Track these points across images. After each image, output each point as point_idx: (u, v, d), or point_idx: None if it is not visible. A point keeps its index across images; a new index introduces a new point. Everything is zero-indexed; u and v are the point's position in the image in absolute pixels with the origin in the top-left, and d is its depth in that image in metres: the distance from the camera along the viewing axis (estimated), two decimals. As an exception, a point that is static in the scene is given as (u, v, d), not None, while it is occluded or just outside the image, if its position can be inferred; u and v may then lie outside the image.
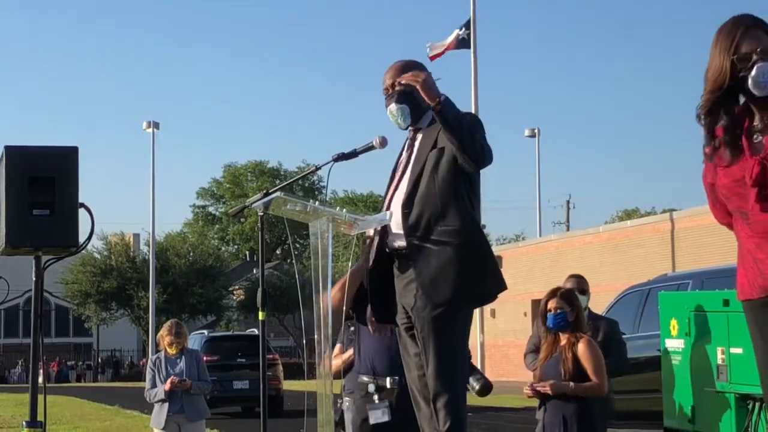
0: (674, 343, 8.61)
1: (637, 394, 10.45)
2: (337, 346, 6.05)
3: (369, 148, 4.82)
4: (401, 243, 4.67)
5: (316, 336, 4.74)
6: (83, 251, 7.18)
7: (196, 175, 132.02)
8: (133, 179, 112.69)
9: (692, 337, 8.35)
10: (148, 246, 47.31)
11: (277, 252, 75.45)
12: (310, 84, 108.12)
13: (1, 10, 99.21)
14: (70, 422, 18.96)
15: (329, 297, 4.72)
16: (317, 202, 4.84)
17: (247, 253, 79.02)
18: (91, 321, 57.70)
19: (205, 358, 10.20)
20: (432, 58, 25.58)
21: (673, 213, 28.61)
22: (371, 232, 4.87)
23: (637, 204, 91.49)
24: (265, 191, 4.96)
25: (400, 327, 4.78)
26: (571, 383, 6.50)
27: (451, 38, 25.94)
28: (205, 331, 24.17)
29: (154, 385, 8.91)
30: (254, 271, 61.05)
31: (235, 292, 62.14)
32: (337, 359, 5.85)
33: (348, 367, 5.95)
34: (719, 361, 7.94)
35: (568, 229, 55.58)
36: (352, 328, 5.98)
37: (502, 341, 34.47)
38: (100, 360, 65.20)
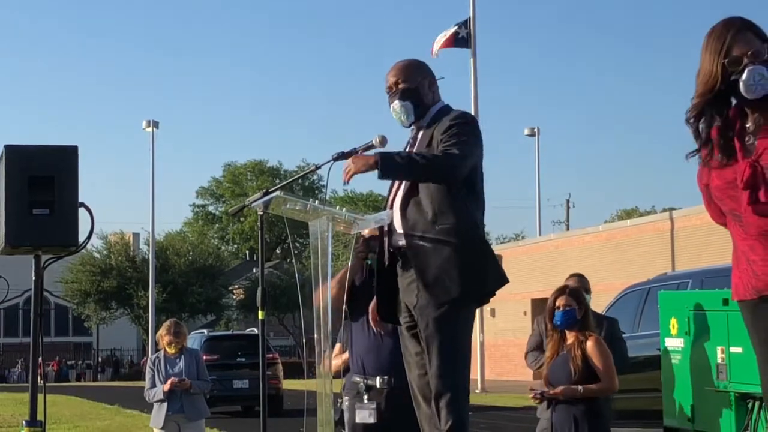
0: (674, 342, 8.62)
1: (637, 394, 10.45)
2: (337, 346, 6.04)
3: (369, 147, 4.83)
4: (402, 242, 4.68)
5: (315, 335, 4.75)
6: (83, 250, 7.17)
7: (195, 175, 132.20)
8: (133, 178, 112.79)
9: (692, 336, 8.35)
10: (148, 245, 47.30)
11: (277, 251, 75.46)
12: (309, 83, 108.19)
13: (1, 9, 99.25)
14: (70, 421, 18.96)
15: (329, 296, 4.73)
16: (317, 202, 4.85)
17: (247, 252, 79.05)
18: (90, 320, 57.68)
19: (204, 358, 10.20)
20: (434, 49, 25.57)
21: (672, 212, 28.61)
22: (366, 231, 4.88)
23: (636, 203, 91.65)
24: (264, 190, 4.96)
25: (402, 326, 4.79)
26: (580, 387, 6.45)
27: (450, 32, 25.91)
28: (205, 331, 24.17)
29: (153, 385, 8.91)
30: (254, 271, 61.00)
31: (234, 292, 62.13)
32: (338, 359, 5.85)
33: (348, 367, 5.95)
34: (719, 360, 7.94)
35: (567, 229, 55.58)
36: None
37: (501, 340, 34.47)
38: (99, 359, 65.19)
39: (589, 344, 6.53)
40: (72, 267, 52.43)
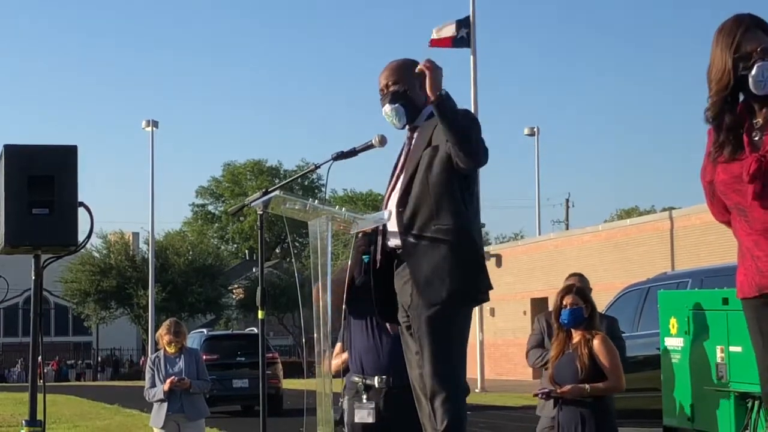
0: (673, 342, 8.62)
1: (637, 393, 10.45)
2: (338, 345, 6.04)
3: (368, 146, 4.82)
4: (397, 242, 4.68)
5: (315, 335, 4.74)
6: (82, 250, 7.17)
7: (195, 174, 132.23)
8: (133, 178, 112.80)
9: (691, 335, 8.36)
10: (148, 245, 47.30)
11: (277, 251, 75.45)
12: (309, 83, 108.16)
13: (1, 9, 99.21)
14: (70, 421, 18.96)
15: (329, 296, 4.73)
16: (316, 201, 4.84)
17: (247, 251, 79.03)
18: (90, 320, 57.66)
19: (204, 357, 10.20)
20: (432, 43, 25.50)
21: (672, 211, 28.61)
22: (369, 230, 4.87)
23: (636, 202, 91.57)
24: (264, 190, 4.95)
25: (402, 325, 4.78)
26: (587, 386, 6.44)
27: (447, 27, 25.85)
28: (205, 330, 24.16)
29: (153, 384, 8.91)
30: (253, 270, 60.99)
31: (234, 291, 62.11)
32: (338, 358, 5.85)
33: (348, 366, 5.95)
34: (718, 360, 7.95)
35: (567, 228, 55.57)
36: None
37: (501, 340, 34.47)
38: (99, 359, 65.18)
39: (596, 342, 6.52)
40: (72, 266, 52.41)
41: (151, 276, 43.03)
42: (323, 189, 71.84)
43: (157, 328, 14.08)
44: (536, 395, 6.99)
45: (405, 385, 4.85)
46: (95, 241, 53.59)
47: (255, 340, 20.17)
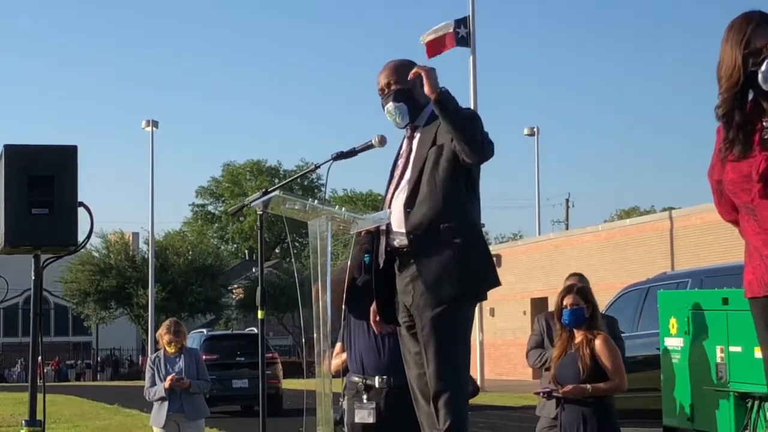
0: (673, 342, 8.62)
1: (637, 393, 10.45)
2: (338, 345, 6.04)
3: (368, 146, 4.82)
4: (403, 242, 4.67)
5: (315, 335, 4.74)
6: (82, 250, 7.17)
7: (195, 174, 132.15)
8: (133, 178, 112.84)
9: (691, 335, 8.36)
10: (148, 245, 47.31)
11: (276, 251, 75.44)
12: (308, 83, 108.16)
13: (1, 9, 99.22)
14: (70, 421, 18.95)
15: (328, 295, 4.72)
16: (316, 201, 4.84)
17: (246, 251, 79.03)
18: (90, 320, 57.66)
19: (204, 357, 10.19)
20: (428, 46, 25.47)
21: (672, 211, 28.61)
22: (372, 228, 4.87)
23: (636, 202, 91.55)
24: (264, 190, 4.96)
25: (401, 325, 4.78)
26: (589, 386, 6.44)
27: (444, 31, 25.83)
28: (204, 330, 24.15)
29: (153, 384, 8.90)
30: (253, 270, 61.00)
31: (234, 291, 62.11)
32: (338, 358, 5.85)
33: (348, 366, 5.94)
34: (718, 360, 7.95)
35: (567, 228, 55.57)
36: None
37: (501, 340, 34.47)
38: (99, 359, 65.18)
39: (598, 343, 6.52)
40: (71, 266, 52.41)
41: (151, 276, 43.03)
42: (323, 189, 71.84)
43: (156, 328, 14.09)
44: (538, 393, 6.99)
45: (406, 385, 4.85)
46: (95, 241, 53.66)
47: (255, 340, 20.16)
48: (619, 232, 30.24)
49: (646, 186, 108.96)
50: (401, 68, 4.81)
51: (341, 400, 5.71)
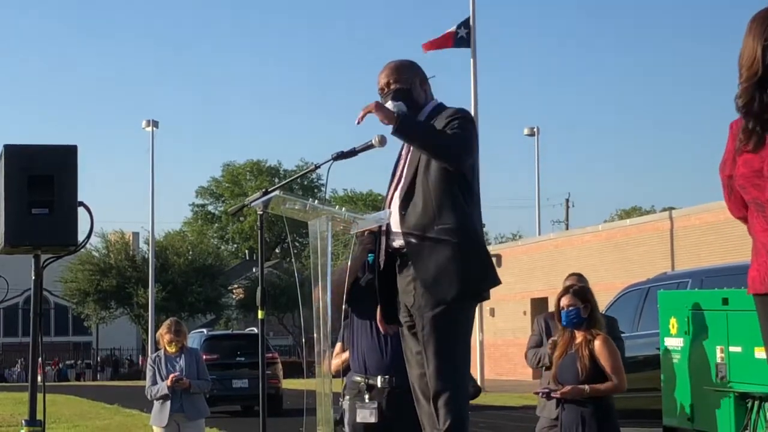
0: (673, 342, 8.62)
1: (637, 393, 10.46)
2: (338, 345, 6.04)
3: (368, 146, 4.82)
4: (400, 242, 4.68)
5: (315, 334, 4.74)
6: (82, 250, 7.17)
7: (195, 174, 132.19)
8: (133, 178, 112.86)
9: (691, 335, 8.36)
10: (148, 244, 47.31)
11: (277, 251, 75.45)
12: (309, 83, 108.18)
13: (1, 9, 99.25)
14: (70, 421, 18.96)
15: (329, 295, 4.73)
16: (316, 201, 4.84)
17: (247, 251, 79.04)
18: (90, 320, 57.67)
19: (204, 357, 10.20)
20: (426, 47, 25.51)
21: (672, 212, 28.62)
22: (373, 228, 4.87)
23: (636, 202, 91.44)
24: (264, 190, 4.96)
25: (403, 325, 4.79)
26: (587, 387, 6.45)
27: (447, 32, 25.88)
28: (205, 330, 24.16)
29: (154, 383, 8.91)
30: (253, 270, 60.99)
31: (234, 291, 62.12)
32: (338, 358, 5.85)
33: (348, 366, 5.94)
34: (718, 360, 7.95)
35: (567, 228, 55.57)
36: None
37: (501, 340, 34.48)
38: (99, 359, 65.18)
39: (597, 344, 6.53)
40: (71, 266, 52.41)
41: (151, 276, 43.04)
42: (323, 189, 71.85)
43: (157, 328, 14.10)
44: (537, 393, 7.01)
45: (408, 385, 4.85)
46: (95, 240, 53.66)
47: (255, 340, 20.18)
48: (620, 232, 30.24)
49: (646, 186, 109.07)
50: (401, 68, 4.84)
51: (341, 400, 5.71)
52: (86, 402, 26.09)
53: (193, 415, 8.91)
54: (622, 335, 8.34)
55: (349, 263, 5.11)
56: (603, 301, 13.37)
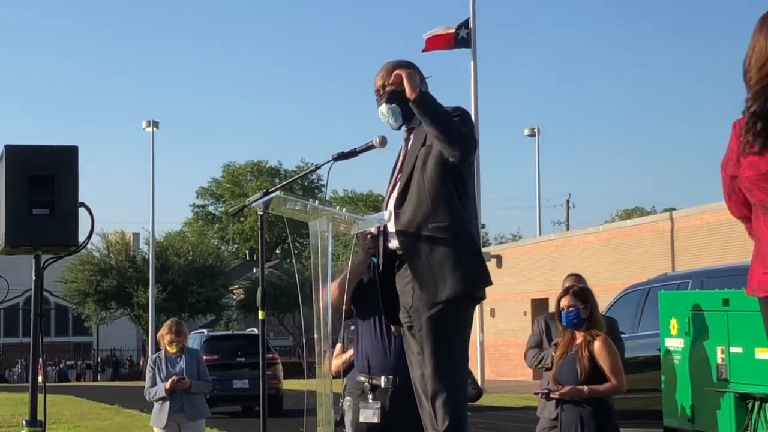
0: (674, 343, 8.62)
1: (637, 394, 10.47)
2: (338, 346, 6.04)
3: (369, 147, 4.82)
4: (396, 243, 4.68)
5: (315, 335, 4.75)
6: (83, 250, 7.17)
7: (195, 175, 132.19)
8: (133, 178, 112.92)
9: (692, 336, 8.36)
10: (148, 245, 47.31)
11: (277, 251, 75.46)
12: (309, 83, 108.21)
13: (1, 8, 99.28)
14: (70, 421, 18.97)
15: (329, 296, 4.73)
16: (317, 201, 4.84)
17: (247, 252, 79.04)
18: (90, 320, 57.68)
19: (204, 358, 10.20)
20: (426, 45, 25.51)
21: (672, 212, 28.62)
22: (372, 229, 4.87)
23: (636, 203, 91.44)
24: (264, 190, 4.96)
25: (403, 326, 4.79)
26: (586, 388, 6.45)
27: (445, 30, 25.87)
28: (205, 331, 24.16)
29: (154, 384, 8.91)
30: (254, 271, 61.01)
31: (234, 292, 62.12)
32: (338, 359, 5.85)
33: (348, 367, 5.94)
34: (719, 361, 7.95)
35: (567, 229, 55.58)
36: (353, 327, 5.98)
37: (501, 341, 34.47)
38: (99, 359, 65.18)
39: (597, 344, 6.53)
40: (72, 267, 52.42)
41: (152, 276, 43.04)
42: (324, 189, 71.85)
43: (157, 328, 14.09)
44: (536, 394, 7.01)
45: (411, 385, 4.85)
46: (96, 241, 53.66)
47: (255, 340, 20.17)
48: (620, 232, 30.24)
49: (646, 187, 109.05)
50: (398, 69, 4.82)
51: (341, 400, 5.71)
52: (87, 402, 26.09)
53: (193, 416, 8.92)
54: (623, 336, 8.34)
55: (351, 266, 5.11)
56: (603, 301, 13.38)
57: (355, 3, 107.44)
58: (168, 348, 8.98)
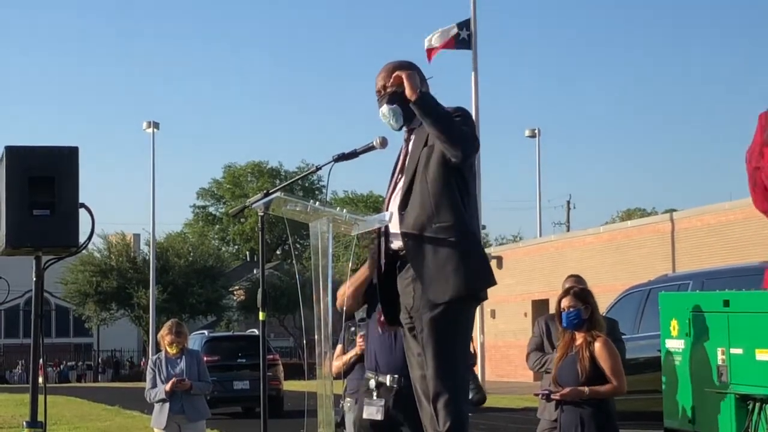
0: (674, 344, 8.61)
1: (638, 395, 10.46)
2: (338, 347, 6.05)
3: (369, 148, 4.82)
4: (399, 244, 4.68)
5: (316, 336, 4.75)
6: (83, 251, 7.16)
7: (196, 176, 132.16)
8: (134, 179, 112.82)
9: (692, 337, 8.35)
10: (149, 246, 47.32)
11: (278, 252, 75.44)
12: (309, 84, 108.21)
13: (1, 8, 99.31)
14: (71, 422, 18.97)
15: (329, 297, 4.73)
16: (317, 203, 4.85)
17: (248, 253, 79.00)
18: (91, 321, 57.67)
19: (205, 359, 10.20)
20: (429, 53, 25.49)
21: (673, 213, 28.62)
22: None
23: (637, 204, 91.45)
24: (265, 191, 4.96)
25: (404, 327, 4.79)
26: (586, 389, 6.44)
27: (447, 32, 25.85)
28: (206, 332, 24.16)
29: (154, 385, 8.91)
30: (254, 272, 61.01)
31: (235, 293, 62.13)
32: (338, 360, 5.86)
33: (349, 369, 5.95)
34: (719, 362, 7.94)
35: (568, 230, 55.57)
36: (353, 329, 5.99)
37: (502, 342, 34.47)
38: (100, 360, 65.18)
39: (597, 345, 6.52)
40: (72, 268, 52.42)
41: (152, 277, 43.04)
42: (324, 190, 71.85)
43: (157, 329, 14.07)
44: (537, 395, 7.01)
45: None
46: (96, 242, 53.67)
47: (256, 341, 20.17)
48: (621, 233, 30.23)
49: (647, 188, 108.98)
50: (399, 70, 4.82)
51: (342, 401, 5.72)
52: (87, 403, 26.08)
53: (193, 417, 8.92)
54: (623, 337, 8.34)
55: (363, 270, 5.10)
56: (604, 302, 13.38)
57: (355, 3, 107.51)
58: (168, 349, 8.98)
